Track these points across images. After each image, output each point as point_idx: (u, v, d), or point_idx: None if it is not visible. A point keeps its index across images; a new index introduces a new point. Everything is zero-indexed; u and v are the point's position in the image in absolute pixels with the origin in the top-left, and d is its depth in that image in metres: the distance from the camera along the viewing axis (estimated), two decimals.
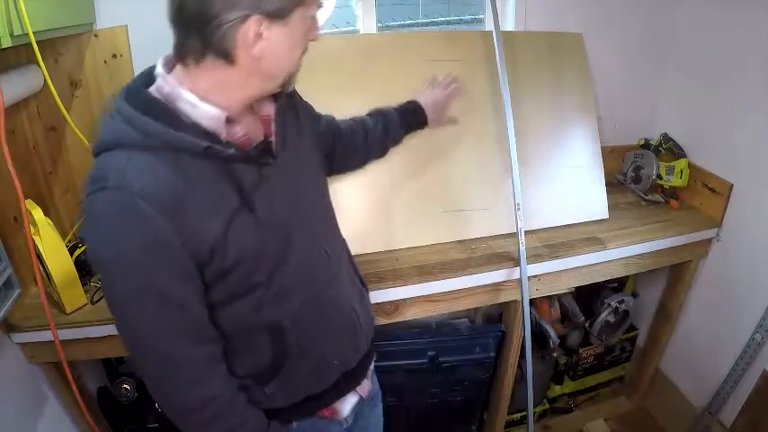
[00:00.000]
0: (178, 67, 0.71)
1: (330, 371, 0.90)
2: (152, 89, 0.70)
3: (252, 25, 0.64)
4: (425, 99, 1.19)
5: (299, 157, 0.86)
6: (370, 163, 1.17)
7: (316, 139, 0.95)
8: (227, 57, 0.66)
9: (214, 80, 0.69)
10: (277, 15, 0.65)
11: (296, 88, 0.93)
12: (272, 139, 0.79)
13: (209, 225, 0.69)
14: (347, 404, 0.98)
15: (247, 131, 0.76)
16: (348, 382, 0.96)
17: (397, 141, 1.17)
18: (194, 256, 0.69)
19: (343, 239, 1.00)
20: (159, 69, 0.71)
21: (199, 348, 0.74)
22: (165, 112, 0.68)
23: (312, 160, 0.92)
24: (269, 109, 0.81)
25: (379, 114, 1.13)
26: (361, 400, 1.02)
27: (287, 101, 0.85)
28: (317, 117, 1.01)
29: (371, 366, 1.06)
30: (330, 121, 1.06)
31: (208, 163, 0.69)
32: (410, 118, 1.16)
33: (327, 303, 0.87)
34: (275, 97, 0.81)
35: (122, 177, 0.64)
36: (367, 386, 1.02)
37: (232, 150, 0.69)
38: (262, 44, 0.66)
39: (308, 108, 0.97)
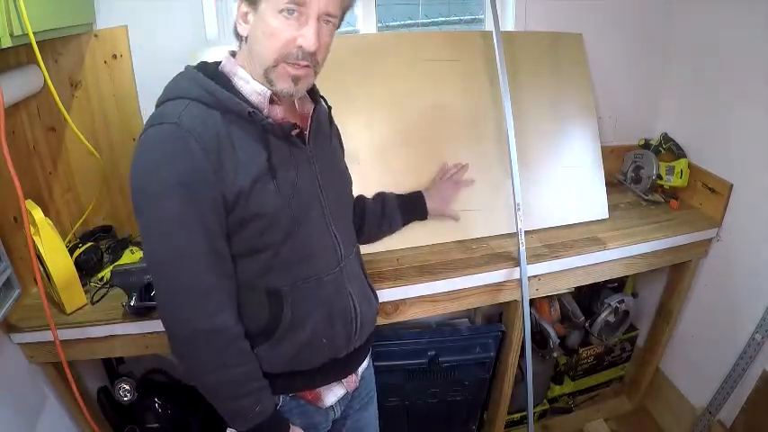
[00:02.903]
0: (239, 50, 0.86)
1: (318, 351, 0.93)
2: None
3: (240, 7, 0.81)
4: (430, 191, 1.30)
5: (329, 156, 0.98)
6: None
7: (342, 158, 1.07)
8: (237, 34, 0.84)
9: (245, 54, 0.84)
10: (251, 2, 0.79)
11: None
12: (307, 131, 0.90)
13: (240, 175, 0.79)
14: (332, 395, 1.00)
15: (287, 117, 0.88)
16: (335, 370, 0.98)
17: (392, 227, 1.25)
18: (223, 197, 0.78)
19: (357, 243, 1.07)
20: (226, 52, 0.87)
21: (219, 280, 0.81)
22: (225, 82, 0.83)
23: (339, 162, 1.04)
24: (310, 108, 0.93)
25: (379, 197, 1.25)
26: (348, 396, 1.04)
27: (325, 109, 0.98)
28: (343, 148, 1.11)
29: (362, 366, 1.08)
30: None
31: (251, 127, 0.81)
32: (409, 206, 1.26)
33: (328, 285, 0.92)
34: (315, 100, 0.95)
35: (178, 117, 0.76)
36: (354, 382, 1.04)
37: (270, 120, 0.82)
38: (246, 26, 0.82)
39: (339, 134, 1.08)
